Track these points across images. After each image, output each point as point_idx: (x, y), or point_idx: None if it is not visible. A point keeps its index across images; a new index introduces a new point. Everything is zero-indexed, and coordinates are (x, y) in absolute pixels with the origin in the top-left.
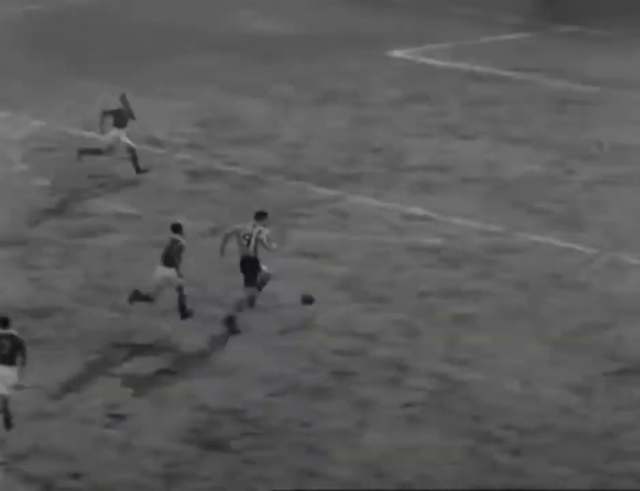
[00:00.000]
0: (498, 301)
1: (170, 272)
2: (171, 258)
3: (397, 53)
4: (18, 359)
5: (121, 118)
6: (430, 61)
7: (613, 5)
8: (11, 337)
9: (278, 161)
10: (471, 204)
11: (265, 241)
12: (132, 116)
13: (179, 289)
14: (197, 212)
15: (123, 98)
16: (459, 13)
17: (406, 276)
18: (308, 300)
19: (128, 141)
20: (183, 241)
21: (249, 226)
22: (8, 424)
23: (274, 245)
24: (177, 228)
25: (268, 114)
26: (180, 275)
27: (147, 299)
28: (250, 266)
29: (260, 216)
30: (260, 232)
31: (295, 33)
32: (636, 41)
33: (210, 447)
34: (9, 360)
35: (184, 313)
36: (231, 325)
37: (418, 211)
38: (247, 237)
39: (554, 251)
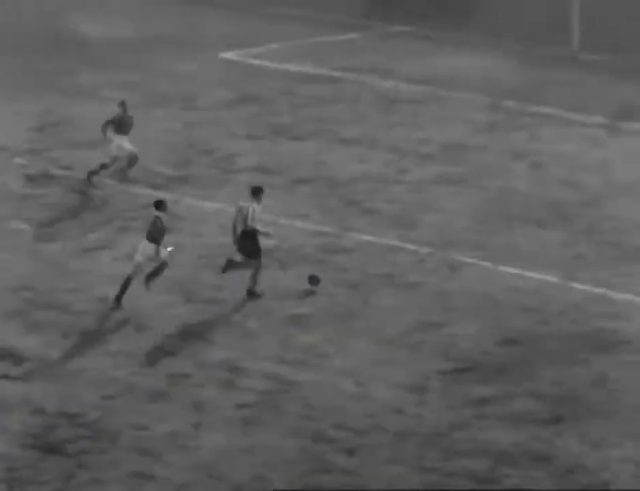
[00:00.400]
0: (331, 301)
1: (152, 248)
2: (153, 234)
3: (227, 55)
4: None
5: (122, 125)
6: (260, 62)
7: (442, 5)
8: None
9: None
10: (302, 205)
11: (250, 217)
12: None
13: (162, 265)
14: (33, 216)
15: (122, 105)
16: (289, 14)
17: (239, 277)
18: (314, 281)
19: (130, 147)
20: (165, 217)
21: (248, 203)
22: None
23: (258, 225)
24: (159, 205)
25: (101, 118)
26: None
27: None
28: (249, 240)
29: (256, 192)
30: (250, 208)
31: (127, 36)
32: (464, 40)
33: (48, 451)
34: None
35: (148, 284)
36: (253, 297)
37: None
38: (244, 213)
39: (387, 251)
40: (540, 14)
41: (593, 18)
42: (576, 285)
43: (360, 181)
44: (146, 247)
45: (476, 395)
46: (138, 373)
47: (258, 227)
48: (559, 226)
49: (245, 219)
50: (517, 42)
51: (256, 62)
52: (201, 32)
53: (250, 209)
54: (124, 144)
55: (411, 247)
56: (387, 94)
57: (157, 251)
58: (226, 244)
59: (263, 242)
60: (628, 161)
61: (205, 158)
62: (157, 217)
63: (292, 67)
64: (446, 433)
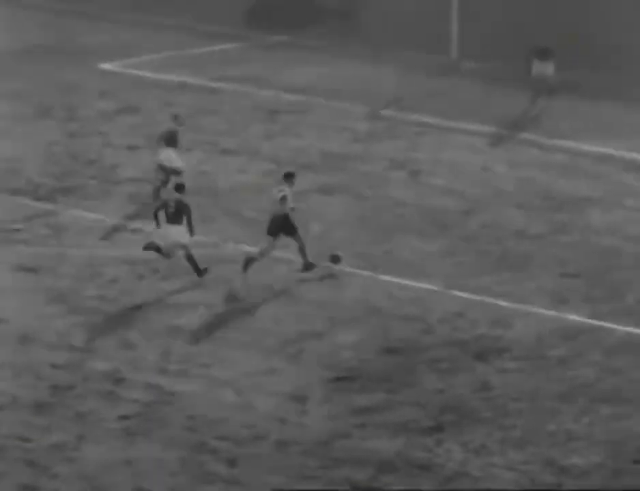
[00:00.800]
0: (212, 311)
1: (177, 229)
2: (176, 216)
3: (107, 66)
4: None
5: (172, 139)
6: (141, 73)
7: (321, 14)
8: None
9: None
10: None
11: (280, 198)
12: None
13: (185, 248)
14: None
15: (176, 118)
16: (168, 24)
17: (121, 288)
18: (336, 259)
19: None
20: (185, 199)
21: (281, 187)
22: None
23: (290, 205)
24: (179, 188)
25: None
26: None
27: (158, 250)
28: (280, 223)
29: (288, 177)
30: (282, 191)
31: (10, 47)
32: (344, 50)
33: None
34: None
35: (199, 272)
36: (248, 264)
37: (132, 223)
38: (276, 196)
39: (269, 261)
40: (419, 23)
41: (473, 27)
42: (457, 293)
43: (241, 191)
44: (171, 230)
45: (358, 404)
46: (21, 385)
47: (288, 206)
48: (439, 235)
49: (280, 203)
50: (397, 51)
51: (138, 73)
52: (84, 42)
53: (282, 192)
54: (172, 157)
55: (292, 256)
56: (266, 104)
57: (186, 232)
58: (108, 256)
59: (144, 252)
60: (507, 169)
61: (88, 169)
62: (178, 200)
63: (173, 77)
64: (328, 442)
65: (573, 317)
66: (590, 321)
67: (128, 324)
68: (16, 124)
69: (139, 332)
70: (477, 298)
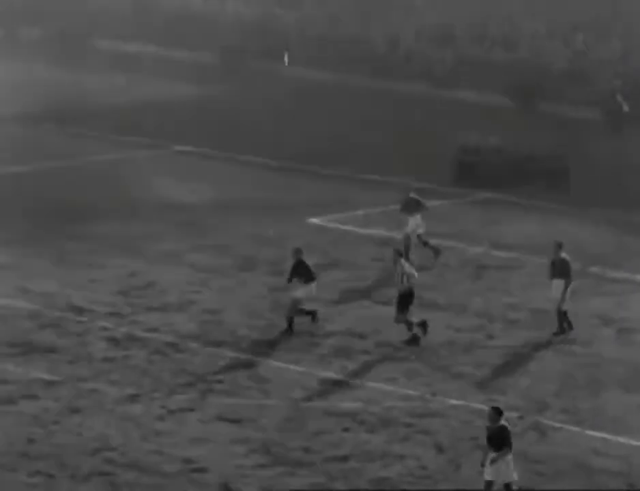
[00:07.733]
0: (418, 464)
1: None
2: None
3: (314, 220)
4: None
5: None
6: (347, 228)
7: (529, 174)
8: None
9: (196, 327)
10: (390, 369)
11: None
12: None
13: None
14: (117, 378)
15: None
16: (372, 180)
17: (326, 440)
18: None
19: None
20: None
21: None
22: None
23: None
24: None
25: (187, 281)
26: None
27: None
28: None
29: None
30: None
31: (214, 201)
32: (550, 206)
33: None
34: None
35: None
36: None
37: (336, 375)
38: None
39: (474, 415)
40: (620, 183)
41: None
42: None
43: (448, 345)
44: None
45: None
46: None
47: None
48: None
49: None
50: (604, 209)
51: (344, 227)
52: (290, 197)
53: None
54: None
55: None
56: (474, 260)
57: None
58: (312, 408)
59: (349, 404)
60: None
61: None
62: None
63: (377, 232)
64: None
65: None
66: None
67: (334, 476)
68: (219, 276)
69: (345, 484)
70: None
